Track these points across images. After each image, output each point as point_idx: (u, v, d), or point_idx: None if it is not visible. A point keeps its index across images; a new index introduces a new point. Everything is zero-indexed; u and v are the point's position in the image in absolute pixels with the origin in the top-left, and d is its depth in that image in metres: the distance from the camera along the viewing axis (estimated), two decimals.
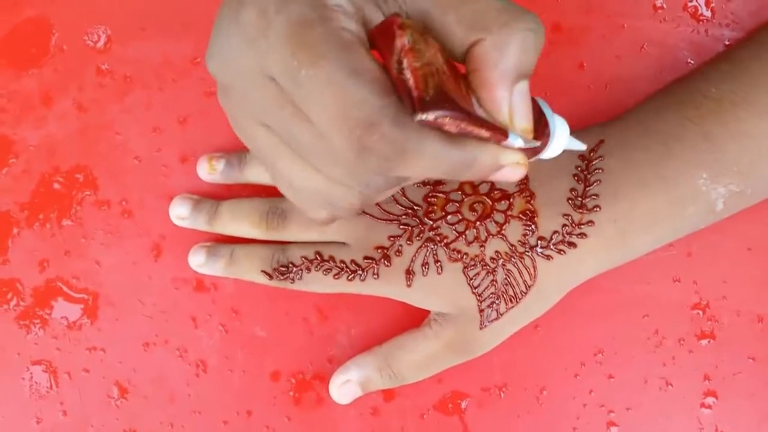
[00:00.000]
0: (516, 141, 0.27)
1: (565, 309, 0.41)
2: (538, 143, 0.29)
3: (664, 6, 0.43)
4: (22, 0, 0.46)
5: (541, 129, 0.29)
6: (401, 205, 0.40)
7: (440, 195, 0.40)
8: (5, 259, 0.45)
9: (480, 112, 0.27)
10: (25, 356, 0.45)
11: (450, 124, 0.25)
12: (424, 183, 0.41)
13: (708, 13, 0.43)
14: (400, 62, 0.26)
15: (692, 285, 0.42)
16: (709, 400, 0.42)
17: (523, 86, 0.27)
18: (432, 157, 0.26)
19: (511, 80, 0.27)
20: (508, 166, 0.28)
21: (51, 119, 0.45)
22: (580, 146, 0.32)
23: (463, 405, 0.43)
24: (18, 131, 0.45)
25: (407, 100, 0.25)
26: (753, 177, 0.38)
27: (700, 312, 0.42)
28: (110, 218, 0.45)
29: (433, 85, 0.25)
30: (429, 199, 0.40)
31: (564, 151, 0.40)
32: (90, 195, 0.45)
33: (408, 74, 0.25)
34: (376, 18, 0.28)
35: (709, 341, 0.42)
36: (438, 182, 0.40)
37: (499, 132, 0.27)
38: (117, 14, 0.45)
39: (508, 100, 0.27)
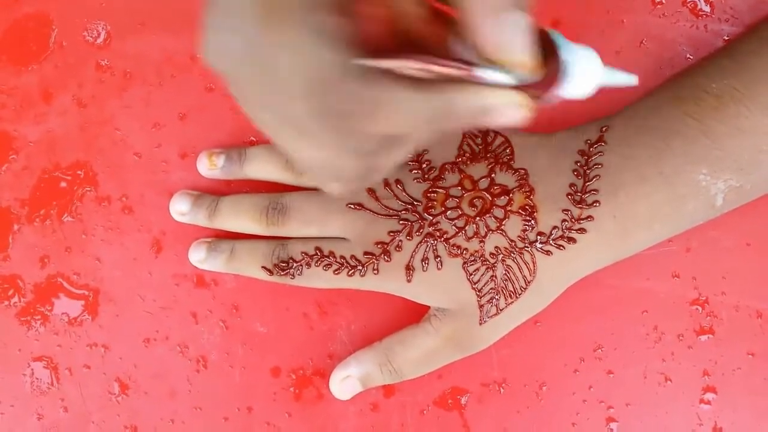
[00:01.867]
0: (495, 75, 0.25)
1: (564, 305, 0.41)
2: (525, 76, 0.26)
3: (663, 1, 0.43)
4: None
5: (553, 66, 0.27)
6: (401, 201, 0.40)
7: (440, 190, 0.40)
8: (6, 256, 0.45)
9: (466, 54, 0.26)
10: (26, 352, 0.45)
11: (410, 67, 0.24)
12: (424, 178, 0.41)
13: (707, 9, 0.43)
14: (357, 2, 0.24)
15: (691, 281, 0.43)
16: (709, 395, 0.42)
17: (517, 17, 0.25)
18: (408, 107, 0.25)
19: (499, 9, 0.25)
20: (503, 108, 0.26)
21: (51, 115, 0.45)
22: (626, 80, 0.30)
23: (463, 401, 0.43)
24: (18, 127, 0.45)
25: (364, 48, 0.24)
26: (753, 172, 0.38)
27: (700, 307, 0.42)
28: (111, 214, 0.45)
29: (383, 28, 0.24)
30: (429, 195, 0.40)
31: (561, 148, 0.40)
32: (90, 191, 0.45)
33: (364, 19, 0.24)
34: None
35: (708, 337, 0.42)
36: (438, 178, 0.40)
37: (464, 66, 0.25)
38: (116, 10, 0.45)
39: (497, 31, 0.25)
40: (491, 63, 0.26)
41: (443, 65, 0.25)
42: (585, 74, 0.28)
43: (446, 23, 0.27)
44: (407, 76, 0.24)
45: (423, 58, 0.24)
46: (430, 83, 0.25)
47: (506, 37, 0.25)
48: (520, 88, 0.27)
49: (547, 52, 0.27)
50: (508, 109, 0.27)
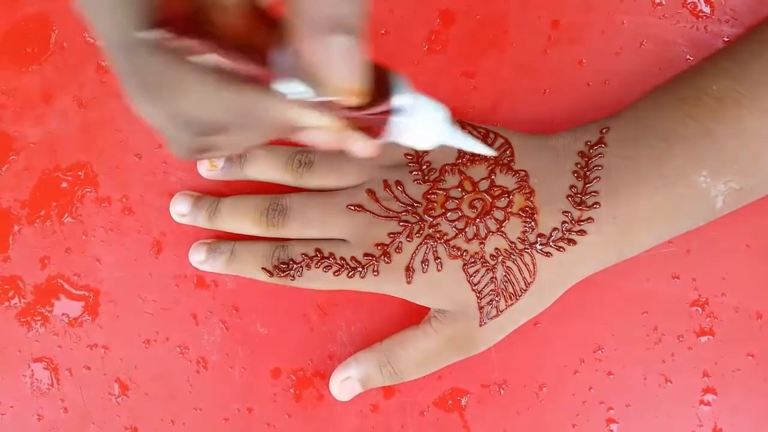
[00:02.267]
0: (293, 89, 0.25)
1: (564, 306, 0.41)
2: (327, 97, 0.25)
3: (664, 2, 0.43)
4: None
5: (380, 100, 0.27)
6: (401, 202, 0.40)
7: (440, 192, 0.40)
8: (6, 257, 0.45)
9: (284, 64, 0.25)
10: (26, 353, 0.45)
11: (203, 55, 0.23)
12: (424, 180, 0.41)
13: (707, 10, 0.43)
14: None
15: (691, 282, 0.43)
16: (709, 396, 0.42)
17: (344, 40, 0.24)
18: (203, 96, 0.25)
19: (324, 30, 0.24)
20: (313, 128, 0.26)
21: (51, 116, 0.45)
22: (480, 148, 0.31)
23: (463, 402, 0.43)
24: (18, 128, 0.45)
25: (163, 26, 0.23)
26: (753, 174, 0.38)
27: (700, 309, 0.42)
28: (111, 215, 0.45)
29: (184, 6, 0.23)
30: (429, 196, 0.40)
31: (561, 149, 0.40)
32: (90, 192, 0.45)
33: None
34: None
35: (708, 338, 0.42)
36: (438, 179, 0.40)
37: (260, 72, 0.24)
38: None
39: (320, 52, 0.25)
40: (312, 81, 0.25)
41: (241, 66, 0.24)
42: (419, 126, 0.28)
43: (274, 28, 0.26)
44: (210, 66, 0.24)
45: (219, 50, 0.23)
46: (234, 80, 0.25)
47: (329, 59, 0.25)
48: (341, 115, 0.26)
49: (385, 90, 0.27)
50: (317, 131, 0.27)
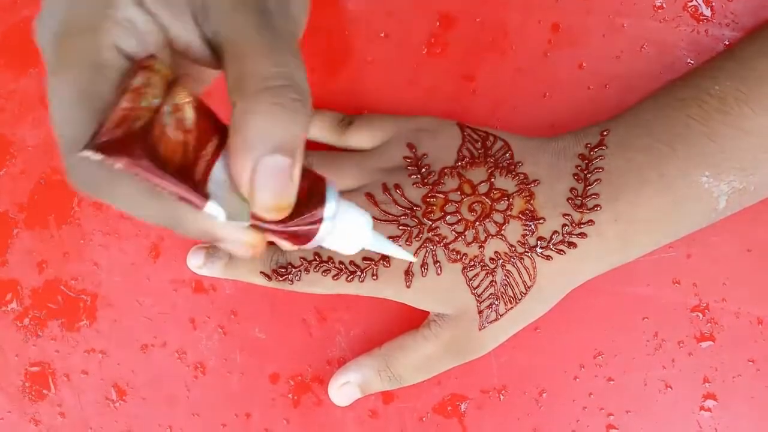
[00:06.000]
0: (219, 214, 0.26)
1: (564, 311, 0.41)
2: (246, 222, 0.27)
3: (664, 6, 0.43)
4: (19, 0, 0.45)
5: (310, 209, 0.28)
6: (400, 206, 0.40)
7: (439, 195, 0.40)
8: (4, 261, 0.45)
9: (224, 176, 0.26)
10: (23, 358, 0.45)
11: (125, 169, 0.24)
12: (423, 183, 0.40)
13: (708, 13, 0.43)
14: (117, 98, 0.25)
15: (692, 287, 0.42)
16: (709, 402, 0.42)
17: (275, 160, 0.25)
18: (130, 202, 0.26)
19: (257, 151, 0.25)
20: (230, 242, 0.28)
21: (49, 119, 0.45)
22: (401, 254, 0.33)
23: (463, 407, 0.43)
24: (16, 131, 0.45)
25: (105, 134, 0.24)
26: (756, 174, 0.38)
27: (700, 314, 0.42)
28: (109, 219, 0.45)
29: (126, 128, 0.24)
30: (428, 200, 0.40)
31: (561, 151, 0.40)
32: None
33: (110, 110, 0.24)
34: (186, 35, 0.27)
35: (708, 344, 0.42)
36: (437, 182, 0.40)
37: (191, 198, 0.25)
38: None
39: (249, 171, 0.25)
40: (241, 196, 0.26)
41: (169, 185, 0.25)
42: (349, 233, 0.29)
43: (216, 133, 0.27)
44: (141, 180, 0.25)
45: (153, 171, 0.24)
46: (160, 195, 0.26)
47: (259, 179, 0.26)
48: (268, 229, 0.27)
49: (314, 198, 0.28)
50: (236, 245, 0.28)
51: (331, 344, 0.44)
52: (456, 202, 0.40)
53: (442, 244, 0.40)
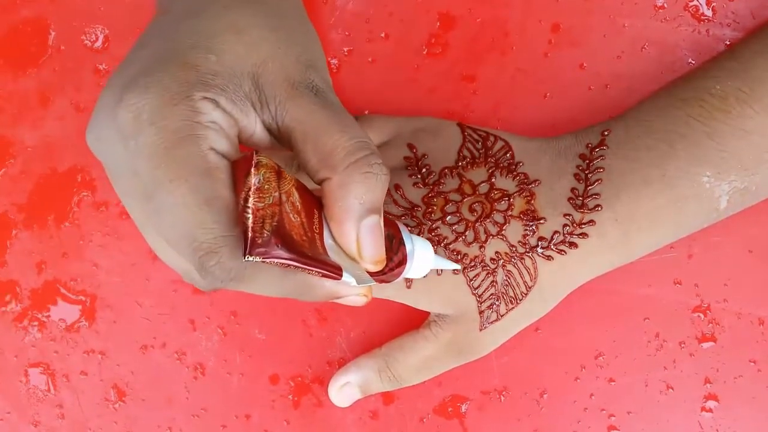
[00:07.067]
0: (351, 279, 0.30)
1: (565, 312, 0.41)
2: (372, 282, 0.31)
3: (665, 6, 0.43)
4: (19, 0, 0.45)
5: (396, 252, 0.33)
6: (400, 206, 0.40)
7: (439, 195, 0.40)
8: (3, 261, 0.45)
9: (331, 241, 0.30)
10: (22, 359, 0.44)
11: (281, 264, 0.27)
12: (424, 184, 0.40)
13: (709, 13, 0.43)
14: (246, 200, 0.27)
15: (693, 288, 0.42)
16: (710, 403, 0.42)
17: (372, 220, 0.30)
18: (266, 286, 0.30)
19: (357, 216, 0.30)
20: (348, 297, 0.32)
21: (49, 120, 0.45)
22: (451, 266, 0.37)
23: (463, 408, 0.43)
24: (16, 132, 0.45)
25: (243, 238, 0.27)
26: (757, 173, 0.38)
27: (701, 315, 0.42)
28: (108, 219, 0.45)
29: (270, 227, 0.27)
30: (428, 200, 0.40)
31: (562, 151, 0.40)
32: (88, 196, 0.45)
33: (248, 213, 0.27)
34: (251, 126, 0.30)
35: (710, 344, 0.42)
36: (437, 183, 0.40)
37: (332, 273, 0.29)
38: (114, 14, 0.45)
39: (355, 234, 0.30)
40: (349, 257, 0.31)
41: (312, 269, 0.28)
42: (424, 262, 0.34)
43: (316, 209, 0.31)
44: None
45: (292, 261, 0.28)
46: (299, 272, 0.29)
47: (364, 239, 0.30)
48: (376, 280, 0.32)
49: (395, 240, 0.33)
50: (355, 299, 0.33)
51: (331, 345, 0.44)
52: (456, 202, 0.40)
53: (442, 244, 0.39)
